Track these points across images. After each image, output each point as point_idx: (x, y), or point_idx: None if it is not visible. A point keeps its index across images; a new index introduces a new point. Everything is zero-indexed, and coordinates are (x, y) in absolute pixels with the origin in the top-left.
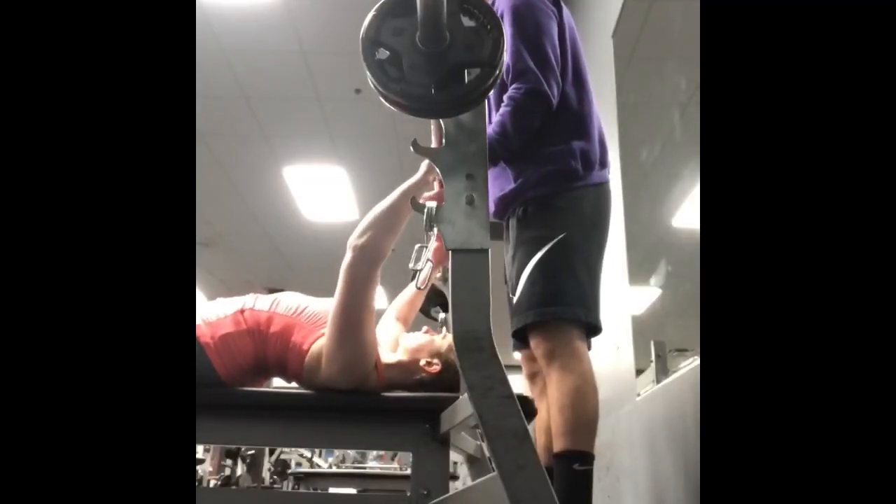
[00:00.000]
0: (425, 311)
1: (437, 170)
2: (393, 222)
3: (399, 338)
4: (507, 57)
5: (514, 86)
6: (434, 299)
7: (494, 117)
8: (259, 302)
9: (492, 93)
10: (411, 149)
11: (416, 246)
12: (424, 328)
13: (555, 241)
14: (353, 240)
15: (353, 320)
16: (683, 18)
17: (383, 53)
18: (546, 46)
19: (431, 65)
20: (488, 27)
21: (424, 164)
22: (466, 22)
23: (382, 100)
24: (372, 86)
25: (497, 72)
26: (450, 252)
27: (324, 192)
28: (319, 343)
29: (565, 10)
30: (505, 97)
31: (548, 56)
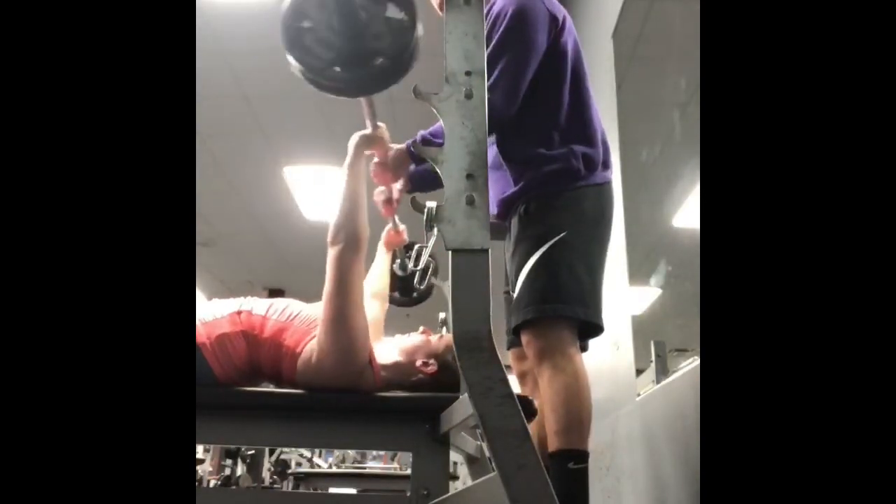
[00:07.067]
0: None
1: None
2: (356, 202)
3: (395, 339)
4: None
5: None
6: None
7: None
8: (255, 305)
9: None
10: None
11: (416, 246)
12: (421, 328)
13: (555, 239)
14: (331, 236)
15: (345, 308)
16: (683, 18)
17: (309, 23)
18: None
19: (340, 43)
20: (406, 24)
21: (353, 138)
22: (394, 12)
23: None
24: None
25: (401, 67)
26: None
27: (324, 192)
28: (312, 344)
29: (566, 16)
30: None
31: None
